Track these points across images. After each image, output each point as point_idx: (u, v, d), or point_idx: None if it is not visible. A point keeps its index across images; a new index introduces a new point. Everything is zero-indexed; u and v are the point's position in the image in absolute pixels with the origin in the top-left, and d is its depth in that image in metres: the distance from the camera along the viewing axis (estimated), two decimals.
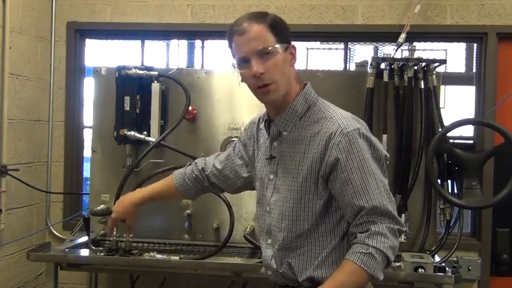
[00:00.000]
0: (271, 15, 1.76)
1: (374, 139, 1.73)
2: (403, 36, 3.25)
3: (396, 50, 3.25)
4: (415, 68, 3.02)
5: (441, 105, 3.32)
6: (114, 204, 2.87)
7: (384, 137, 2.97)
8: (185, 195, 2.15)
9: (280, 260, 1.80)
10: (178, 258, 2.81)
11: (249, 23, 1.71)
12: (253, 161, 1.95)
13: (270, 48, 1.70)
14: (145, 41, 3.92)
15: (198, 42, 4.03)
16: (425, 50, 4.46)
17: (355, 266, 1.62)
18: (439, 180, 2.98)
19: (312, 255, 1.75)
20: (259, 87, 1.71)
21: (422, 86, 3.01)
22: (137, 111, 3.11)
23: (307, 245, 1.74)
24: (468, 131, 3.56)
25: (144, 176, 2.97)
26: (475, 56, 3.67)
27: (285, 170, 1.77)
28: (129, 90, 3.11)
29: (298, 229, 1.75)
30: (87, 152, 3.64)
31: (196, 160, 2.16)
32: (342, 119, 1.71)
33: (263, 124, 1.90)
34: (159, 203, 2.98)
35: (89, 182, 3.34)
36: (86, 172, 3.83)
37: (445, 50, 5.64)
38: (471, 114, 3.59)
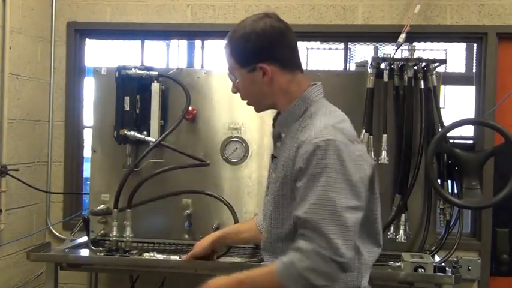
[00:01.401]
0: (235, 38, 1.74)
1: (348, 155, 1.58)
2: (403, 36, 3.25)
3: (396, 50, 3.25)
4: (415, 68, 3.02)
5: (441, 105, 3.32)
6: (114, 204, 2.89)
7: (384, 137, 2.97)
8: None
9: (264, 260, 1.83)
10: (178, 258, 2.81)
11: (225, 45, 1.78)
12: None
13: (233, 74, 1.78)
14: (145, 41, 3.92)
15: (198, 42, 4.03)
16: (425, 50, 4.45)
17: (271, 269, 1.60)
18: (439, 180, 2.98)
19: None
20: None
21: (422, 86, 3.01)
22: (137, 111, 3.11)
23: (287, 251, 1.64)
24: (468, 131, 3.56)
25: (144, 176, 2.97)
26: (475, 56, 3.67)
27: (275, 172, 1.77)
28: (129, 90, 3.11)
29: (276, 232, 1.73)
30: (87, 152, 3.64)
31: None
32: (318, 128, 1.62)
33: (272, 122, 1.88)
34: (158, 202, 3.01)
35: (89, 182, 3.34)
36: (86, 172, 3.83)
37: (445, 50, 5.64)
38: (471, 114, 3.59)
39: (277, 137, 1.82)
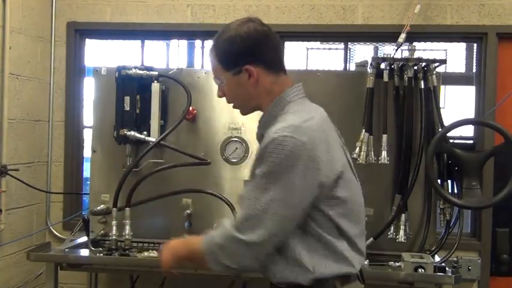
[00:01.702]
0: (220, 42, 1.78)
1: (299, 156, 1.59)
2: (403, 36, 3.25)
3: (396, 50, 3.25)
4: (415, 68, 3.02)
5: (441, 105, 3.32)
6: (113, 203, 2.89)
7: (384, 137, 2.98)
8: None
9: None
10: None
11: (210, 50, 1.82)
12: None
13: (219, 78, 1.81)
14: (145, 41, 3.92)
15: (198, 42, 4.03)
16: (425, 50, 4.45)
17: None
18: (439, 180, 2.98)
19: (273, 260, 1.73)
20: None
21: (422, 86, 3.01)
22: (137, 111, 3.11)
23: None
24: (468, 131, 3.56)
25: (142, 175, 2.97)
26: (475, 56, 3.67)
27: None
28: (129, 90, 3.11)
29: None
30: (87, 152, 3.64)
31: None
32: (281, 125, 1.66)
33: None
34: (158, 202, 3.01)
35: (89, 182, 3.34)
36: (86, 172, 3.83)
37: (445, 50, 5.64)
38: (471, 114, 3.59)
39: (260, 138, 1.83)
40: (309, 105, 1.80)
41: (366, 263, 2.82)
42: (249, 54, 1.74)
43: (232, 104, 1.87)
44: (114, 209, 2.90)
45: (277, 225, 1.62)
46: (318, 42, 5.95)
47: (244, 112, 1.89)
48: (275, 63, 1.79)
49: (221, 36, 1.78)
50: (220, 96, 1.85)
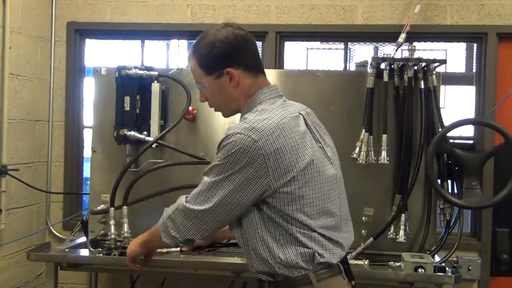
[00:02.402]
0: (200, 47, 1.85)
1: (245, 152, 1.69)
2: (403, 36, 3.25)
3: (396, 50, 3.25)
4: (415, 68, 3.02)
5: (441, 105, 3.32)
6: (110, 202, 2.89)
7: (384, 137, 2.97)
8: None
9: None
10: (178, 258, 2.81)
11: (189, 55, 1.91)
12: None
13: (200, 83, 1.89)
14: (145, 41, 3.92)
15: None
16: (425, 50, 4.46)
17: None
18: (439, 180, 2.98)
19: (243, 251, 1.88)
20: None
21: (422, 86, 3.01)
22: (137, 111, 3.11)
23: (241, 240, 1.86)
24: (468, 131, 3.56)
25: (141, 173, 2.97)
26: (475, 56, 3.67)
27: None
28: (129, 90, 3.11)
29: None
30: (87, 152, 3.64)
31: None
32: (240, 123, 1.76)
33: None
34: (158, 201, 3.00)
35: (89, 182, 3.34)
36: (86, 172, 3.83)
37: (445, 50, 5.64)
38: (471, 114, 3.59)
39: None
40: (277, 105, 1.83)
41: (366, 262, 2.83)
42: (229, 57, 1.82)
43: (214, 108, 1.95)
44: (112, 208, 2.90)
45: (219, 207, 1.75)
46: (318, 42, 5.96)
47: (226, 115, 1.96)
48: (254, 65, 1.85)
49: (200, 42, 1.85)
50: (202, 101, 1.94)
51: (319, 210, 1.76)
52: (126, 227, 2.90)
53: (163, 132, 2.99)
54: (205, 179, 1.78)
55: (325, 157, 1.84)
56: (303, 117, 1.84)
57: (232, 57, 1.82)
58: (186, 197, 1.84)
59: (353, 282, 1.88)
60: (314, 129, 1.87)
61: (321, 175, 1.78)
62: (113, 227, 2.90)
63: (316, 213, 1.76)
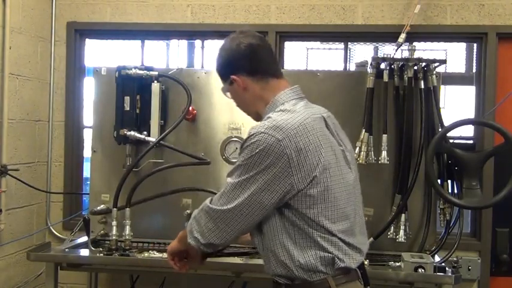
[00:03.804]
0: (217, 56, 1.97)
1: (268, 151, 1.69)
2: (403, 36, 3.26)
3: (396, 50, 3.25)
4: (415, 68, 3.02)
5: (441, 105, 3.32)
6: (113, 203, 2.89)
7: (384, 137, 2.98)
8: None
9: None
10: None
11: None
12: None
13: (223, 89, 1.99)
14: (145, 41, 3.92)
15: (198, 42, 4.03)
16: (425, 50, 4.45)
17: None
18: (439, 180, 2.98)
19: (261, 254, 1.87)
20: None
21: (422, 86, 3.01)
22: (137, 111, 3.11)
23: (261, 245, 1.85)
24: (468, 131, 3.56)
25: (143, 175, 2.97)
26: (475, 56, 3.67)
27: None
28: (129, 90, 3.11)
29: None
30: (87, 152, 3.64)
31: None
32: (263, 122, 1.78)
33: None
34: (158, 202, 3.01)
35: (89, 182, 3.34)
36: (86, 172, 3.83)
37: (445, 50, 5.63)
38: (471, 114, 3.59)
39: None
40: (300, 106, 1.84)
41: (366, 262, 2.83)
42: (232, 65, 1.91)
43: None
44: (115, 209, 2.90)
45: (242, 207, 1.73)
46: (318, 42, 5.94)
47: (254, 119, 1.99)
48: (263, 70, 1.90)
49: (217, 53, 1.98)
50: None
51: (339, 214, 1.77)
52: (128, 230, 2.90)
53: (165, 133, 2.99)
54: (229, 180, 1.78)
55: (345, 161, 1.85)
56: (325, 119, 1.87)
57: (236, 64, 1.90)
58: (211, 199, 1.84)
59: (368, 287, 1.88)
60: (335, 133, 1.89)
61: (342, 179, 1.80)
62: (114, 228, 2.90)
63: (336, 217, 1.76)
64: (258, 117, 1.94)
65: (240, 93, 1.92)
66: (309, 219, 1.72)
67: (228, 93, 1.98)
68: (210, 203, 1.81)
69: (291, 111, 1.79)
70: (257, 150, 1.70)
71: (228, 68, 1.92)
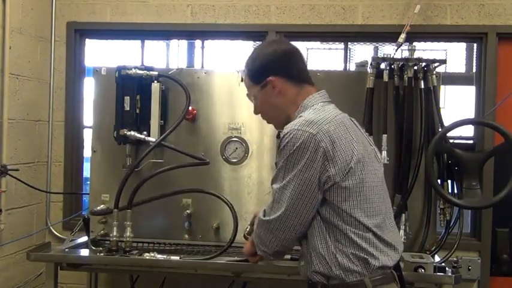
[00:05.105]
0: (249, 61, 2.01)
1: (304, 147, 1.75)
2: (403, 36, 3.26)
3: (396, 50, 3.25)
4: (415, 68, 3.02)
5: (441, 105, 3.31)
6: (115, 204, 2.89)
7: (384, 137, 2.97)
8: None
9: None
10: (178, 258, 2.81)
11: (242, 71, 2.08)
12: None
13: (252, 94, 2.02)
14: (145, 41, 3.92)
15: (198, 42, 4.04)
16: (425, 50, 4.45)
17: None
18: (439, 180, 2.98)
19: (302, 253, 1.92)
20: None
21: (422, 86, 3.01)
22: (137, 111, 3.11)
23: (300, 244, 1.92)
24: (468, 131, 3.56)
25: (143, 176, 2.97)
26: (475, 56, 3.68)
27: None
28: (129, 90, 3.11)
29: None
30: (87, 152, 3.64)
31: None
32: (295, 121, 1.84)
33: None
34: (158, 202, 3.01)
35: (89, 182, 3.34)
36: (86, 172, 3.83)
37: (445, 50, 5.63)
38: (471, 114, 3.60)
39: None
40: (328, 108, 1.92)
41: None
42: (271, 67, 1.95)
43: (267, 121, 2.08)
44: (116, 210, 2.89)
45: (291, 207, 1.79)
46: (318, 42, 5.94)
47: (277, 126, 2.06)
48: (297, 76, 1.96)
49: (250, 56, 2.03)
50: (256, 113, 2.06)
51: (373, 208, 1.82)
52: (129, 231, 2.90)
53: (166, 133, 2.98)
54: (275, 186, 1.84)
55: (376, 157, 1.94)
56: (353, 121, 1.96)
57: (274, 67, 1.94)
58: (264, 211, 1.90)
59: None
60: (364, 133, 1.99)
61: (374, 174, 1.86)
62: (115, 229, 2.90)
63: (371, 211, 1.81)
64: (285, 122, 1.95)
65: (273, 96, 1.95)
66: (344, 212, 1.77)
67: (254, 98, 2.01)
68: (264, 216, 1.88)
69: (322, 110, 1.87)
70: (294, 148, 1.76)
71: (265, 71, 1.95)
